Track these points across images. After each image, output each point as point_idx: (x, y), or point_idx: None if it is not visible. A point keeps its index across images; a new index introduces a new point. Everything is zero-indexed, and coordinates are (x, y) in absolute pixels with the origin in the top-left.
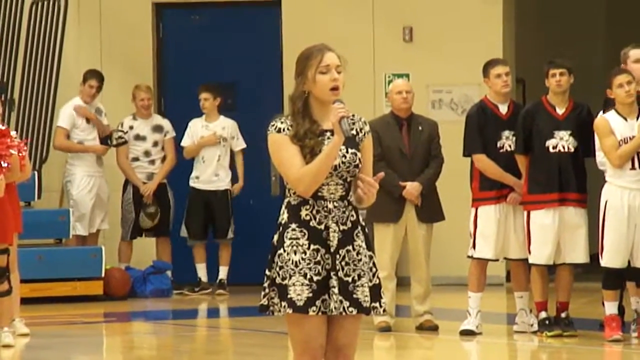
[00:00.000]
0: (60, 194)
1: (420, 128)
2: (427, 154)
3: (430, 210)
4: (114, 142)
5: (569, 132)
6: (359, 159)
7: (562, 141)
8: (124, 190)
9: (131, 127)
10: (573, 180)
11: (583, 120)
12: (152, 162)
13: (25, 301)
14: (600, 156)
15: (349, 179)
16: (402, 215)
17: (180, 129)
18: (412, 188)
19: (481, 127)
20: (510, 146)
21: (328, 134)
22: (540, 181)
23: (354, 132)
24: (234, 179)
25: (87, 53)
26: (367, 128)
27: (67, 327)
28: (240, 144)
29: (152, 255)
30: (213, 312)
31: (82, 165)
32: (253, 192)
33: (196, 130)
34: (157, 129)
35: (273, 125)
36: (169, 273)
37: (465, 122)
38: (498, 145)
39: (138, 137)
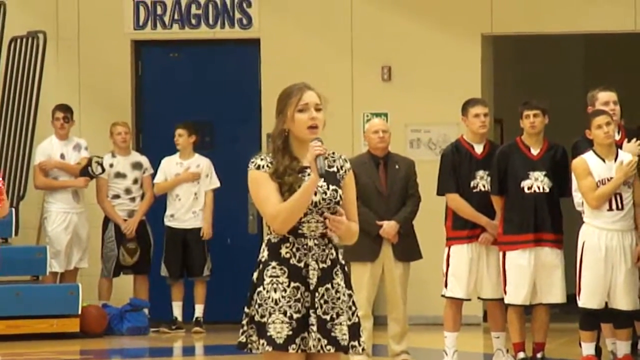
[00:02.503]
0: (37, 230)
1: (397, 167)
2: (404, 193)
3: (408, 249)
4: (98, 171)
5: (543, 173)
6: (340, 196)
7: (537, 182)
8: (105, 227)
9: (111, 165)
10: (548, 221)
11: (558, 161)
12: (133, 199)
13: (1, 338)
14: (577, 197)
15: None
16: (379, 254)
17: (158, 167)
18: (389, 227)
19: (455, 167)
20: (484, 186)
21: (308, 170)
22: (516, 222)
23: (334, 169)
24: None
25: (65, 90)
26: (347, 165)
27: None
28: (213, 183)
29: (129, 293)
30: (189, 350)
31: (58, 202)
32: (230, 230)
33: (170, 167)
34: (137, 165)
35: (253, 162)
36: (146, 311)
37: (440, 161)
38: (472, 185)
39: (119, 175)
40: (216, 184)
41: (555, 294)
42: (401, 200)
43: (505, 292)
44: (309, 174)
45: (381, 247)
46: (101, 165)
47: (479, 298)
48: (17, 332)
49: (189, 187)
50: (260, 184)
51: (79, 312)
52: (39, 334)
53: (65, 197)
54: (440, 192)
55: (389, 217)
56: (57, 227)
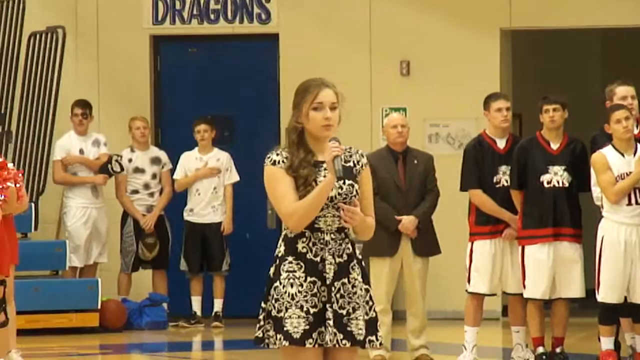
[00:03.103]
0: (57, 225)
1: (415, 162)
2: (423, 188)
3: (427, 243)
4: (117, 170)
5: (563, 168)
6: (356, 191)
7: (556, 176)
8: (123, 222)
9: (130, 160)
10: (567, 215)
11: (577, 156)
12: (152, 194)
13: (21, 332)
14: (596, 191)
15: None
16: (398, 249)
17: (176, 161)
18: (408, 222)
19: (478, 162)
20: (507, 181)
21: (323, 164)
22: (535, 216)
23: (350, 164)
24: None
25: (84, 85)
26: (364, 160)
27: (63, 359)
28: (232, 177)
29: (148, 288)
30: (208, 345)
31: (78, 197)
32: (249, 225)
33: (189, 162)
34: (156, 161)
35: (269, 157)
36: (165, 305)
37: (463, 156)
38: (494, 180)
39: (137, 170)
40: (236, 178)
41: (575, 289)
42: (420, 195)
43: (524, 287)
44: (324, 168)
45: (400, 242)
46: (120, 164)
47: (504, 293)
48: (36, 327)
49: (209, 182)
50: (276, 181)
51: (99, 306)
52: (59, 329)
53: (84, 192)
54: (463, 187)
55: (407, 212)
56: (76, 221)
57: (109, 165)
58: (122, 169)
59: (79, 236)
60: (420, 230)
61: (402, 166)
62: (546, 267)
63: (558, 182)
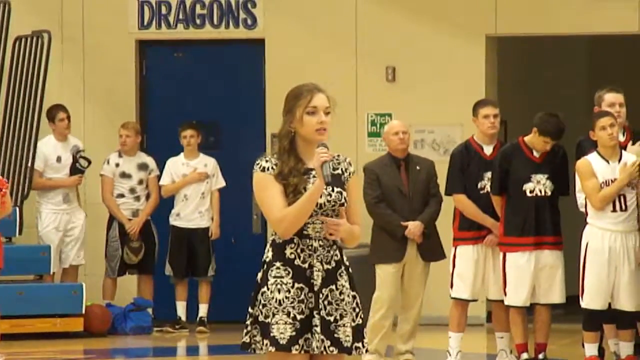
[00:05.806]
0: None
1: (418, 167)
2: (426, 193)
3: (432, 248)
4: (85, 165)
5: (546, 176)
6: (345, 198)
7: (539, 185)
8: (109, 226)
9: (117, 165)
10: (549, 224)
11: (559, 161)
12: (138, 198)
13: (5, 337)
14: (581, 198)
15: (334, 218)
16: (405, 254)
17: (162, 166)
18: (414, 227)
19: (464, 167)
20: None
21: (313, 172)
22: (517, 224)
23: (338, 171)
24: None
25: (70, 90)
26: (352, 169)
27: None
28: (219, 183)
29: (133, 292)
30: (193, 350)
31: (48, 203)
32: (235, 230)
33: (176, 168)
34: (143, 167)
35: (258, 164)
36: (149, 310)
37: (449, 161)
38: (479, 185)
39: (124, 175)
40: (222, 183)
41: (555, 294)
42: (424, 201)
43: (505, 294)
44: (313, 176)
45: (406, 247)
46: (85, 158)
47: (488, 299)
48: (21, 332)
49: (197, 187)
50: (265, 187)
51: (83, 311)
52: (43, 333)
53: (55, 198)
54: (448, 192)
55: (412, 217)
56: (46, 227)
57: (77, 164)
58: (89, 163)
59: (50, 241)
60: (425, 235)
61: (404, 172)
62: (527, 275)
63: (540, 191)
